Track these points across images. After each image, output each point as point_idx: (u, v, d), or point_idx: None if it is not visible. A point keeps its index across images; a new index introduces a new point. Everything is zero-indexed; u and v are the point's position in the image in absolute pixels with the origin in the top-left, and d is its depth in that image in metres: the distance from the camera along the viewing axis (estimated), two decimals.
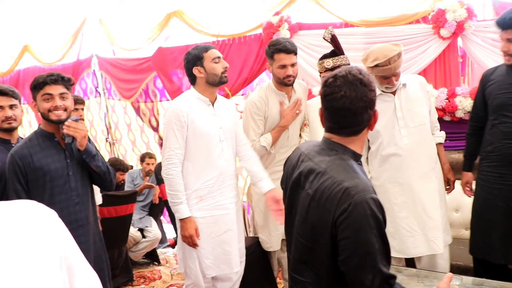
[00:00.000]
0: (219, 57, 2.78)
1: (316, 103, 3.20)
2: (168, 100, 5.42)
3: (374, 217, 1.43)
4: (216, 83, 2.78)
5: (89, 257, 2.45)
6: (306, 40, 4.15)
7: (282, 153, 3.17)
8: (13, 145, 2.73)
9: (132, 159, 6.21)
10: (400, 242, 2.88)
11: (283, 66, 2.99)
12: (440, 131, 3.08)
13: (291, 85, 3.11)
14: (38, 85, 2.46)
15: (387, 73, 2.72)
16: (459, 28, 3.46)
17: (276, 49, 2.99)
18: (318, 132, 3.10)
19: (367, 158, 3.01)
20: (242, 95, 4.58)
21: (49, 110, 2.46)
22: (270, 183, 2.89)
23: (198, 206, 2.78)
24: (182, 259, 2.89)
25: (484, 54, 3.52)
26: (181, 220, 2.73)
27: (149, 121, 5.76)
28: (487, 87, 2.78)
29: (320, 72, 3.08)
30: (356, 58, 3.88)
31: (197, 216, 2.77)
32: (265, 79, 4.47)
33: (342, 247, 1.44)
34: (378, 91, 2.87)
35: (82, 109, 3.69)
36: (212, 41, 4.71)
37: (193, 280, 2.86)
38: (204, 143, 2.76)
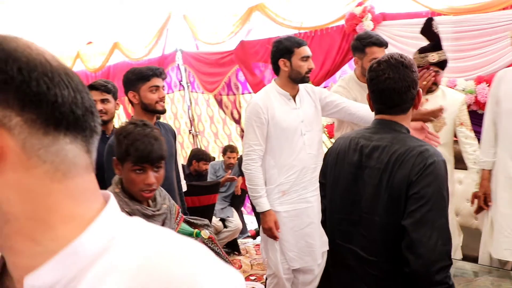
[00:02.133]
0: (308, 56, 2.76)
1: None
2: (250, 93, 5.49)
3: (445, 178, 1.57)
4: (298, 80, 2.78)
5: None
6: (391, 30, 4.03)
7: None
8: (107, 136, 2.89)
9: (214, 151, 6.36)
10: (492, 240, 2.72)
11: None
12: None
13: None
14: (146, 77, 2.57)
15: None
16: None
17: (369, 42, 2.95)
18: None
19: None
20: (325, 87, 4.54)
21: (156, 102, 2.59)
22: None
23: (280, 200, 2.81)
24: (264, 249, 2.95)
25: None
26: (261, 213, 2.80)
27: (231, 114, 5.87)
28: None
29: (420, 66, 2.93)
30: (444, 48, 3.73)
31: (280, 210, 2.81)
32: (347, 71, 4.40)
33: (411, 200, 1.53)
34: None
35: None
36: (294, 34, 4.69)
37: (273, 271, 2.91)
38: (285, 138, 2.77)
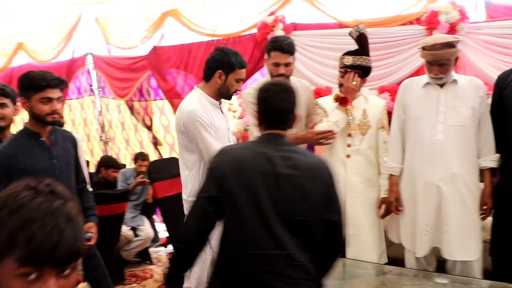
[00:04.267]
0: (242, 80, 2.76)
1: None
2: (162, 99, 5.45)
3: None
4: (223, 96, 2.76)
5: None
6: (301, 40, 4.15)
7: None
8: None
9: (125, 158, 6.21)
10: (414, 239, 2.82)
11: (277, 64, 3.00)
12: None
13: None
14: (39, 87, 2.35)
15: (430, 58, 2.69)
16: (452, 29, 3.46)
17: (272, 47, 3.01)
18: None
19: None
20: (236, 94, 4.58)
21: (47, 114, 2.39)
22: None
23: None
24: None
25: (476, 56, 3.54)
26: None
27: (143, 120, 5.77)
28: (504, 89, 2.75)
29: (340, 68, 3.04)
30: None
31: None
32: (258, 79, 4.48)
33: (334, 199, 1.87)
34: (426, 80, 2.82)
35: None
36: (207, 41, 4.72)
37: (193, 284, 2.78)
38: (221, 144, 2.74)
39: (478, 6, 3.98)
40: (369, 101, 3.09)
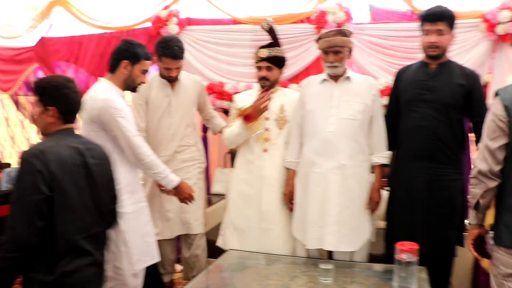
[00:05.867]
0: (147, 71, 2.73)
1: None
2: None
3: None
4: (128, 87, 2.71)
5: None
6: (195, 35, 4.16)
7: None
8: None
9: (11, 157, 5.82)
10: (304, 230, 2.86)
11: (168, 69, 3.15)
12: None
13: (173, 82, 3.28)
14: None
15: (325, 45, 2.79)
16: None
17: (164, 53, 3.10)
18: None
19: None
20: None
21: None
22: None
23: (131, 201, 2.65)
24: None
25: (361, 55, 3.77)
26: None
27: (31, 116, 5.41)
28: (399, 83, 2.92)
29: (256, 62, 3.03)
30: (242, 55, 3.99)
31: (130, 211, 2.63)
32: (152, 73, 4.40)
33: (115, 180, 2.27)
34: (323, 77, 2.92)
35: None
36: (100, 33, 4.54)
37: (119, 281, 2.63)
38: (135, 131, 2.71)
39: (363, 9, 4.25)
40: (286, 95, 3.13)
